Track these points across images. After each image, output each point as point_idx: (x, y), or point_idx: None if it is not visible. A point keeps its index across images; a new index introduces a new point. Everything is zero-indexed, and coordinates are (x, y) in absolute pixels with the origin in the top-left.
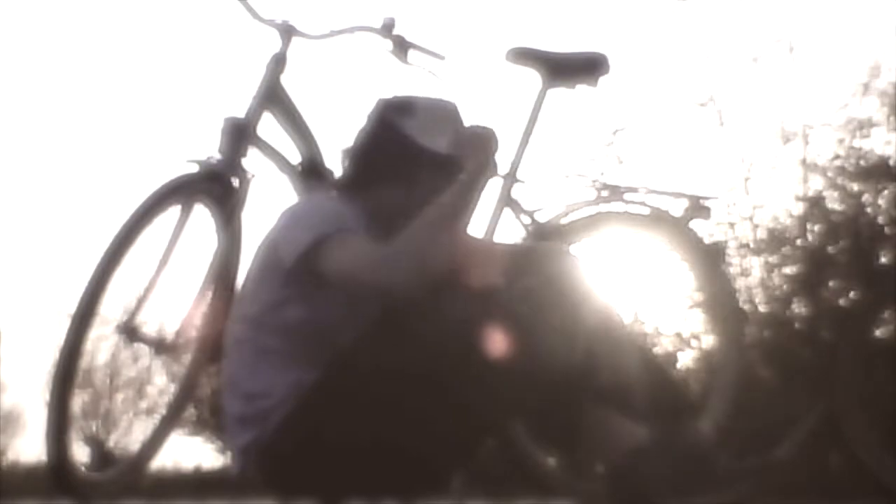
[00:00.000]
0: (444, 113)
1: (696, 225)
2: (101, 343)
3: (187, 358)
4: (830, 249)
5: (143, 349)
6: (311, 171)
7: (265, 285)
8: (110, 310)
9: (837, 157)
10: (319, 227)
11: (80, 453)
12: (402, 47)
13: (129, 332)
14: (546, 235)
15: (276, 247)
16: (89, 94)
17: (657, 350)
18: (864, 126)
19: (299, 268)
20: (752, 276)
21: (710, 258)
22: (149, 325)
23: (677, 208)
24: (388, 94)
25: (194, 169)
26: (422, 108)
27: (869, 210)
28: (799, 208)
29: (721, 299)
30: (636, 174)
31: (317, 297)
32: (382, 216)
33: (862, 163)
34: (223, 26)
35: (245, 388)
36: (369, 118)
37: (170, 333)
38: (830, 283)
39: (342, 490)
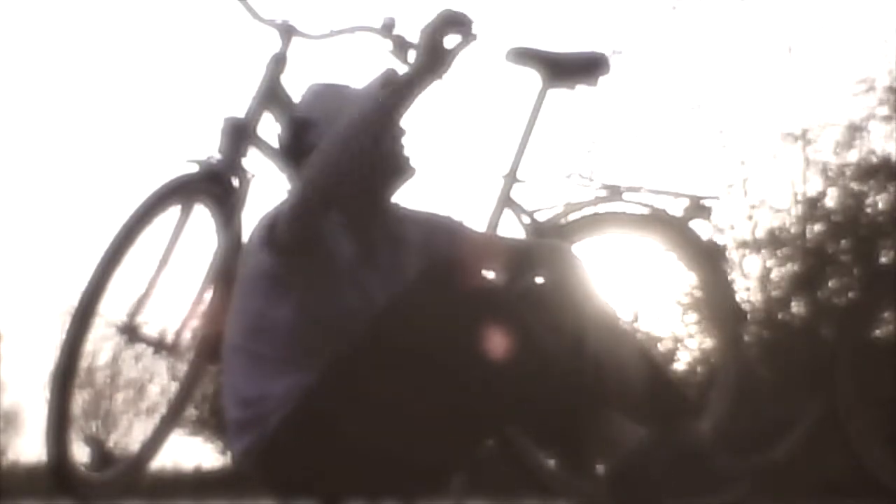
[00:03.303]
0: (329, 93)
1: (696, 225)
2: (102, 343)
3: (188, 358)
4: (830, 249)
5: (144, 349)
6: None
7: (253, 293)
8: (110, 310)
9: (837, 155)
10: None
11: (80, 453)
12: (402, 47)
13: (130, 332)
14: (546, 235)
15: (255, 251)
16: (89, 94)
17: (656, 350)
18: (864, 125)
19: (275, 260)
20: (751, 276)
21: (710, 258)
22: (149, 325)
23: (677, 208)
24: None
25: (194, 169)
26: (311, 109)
27: (869, 210)
28: (799, 208)
29: (720, 299)
30: (636, 174)
31: (305, 297)
32: (358, 219)
33: (862, 162)
34: (223, 26)
35: (242, 395)
36: (284, 160)
37: (170, 333)
38: (830, 283)
39: (342, 490)
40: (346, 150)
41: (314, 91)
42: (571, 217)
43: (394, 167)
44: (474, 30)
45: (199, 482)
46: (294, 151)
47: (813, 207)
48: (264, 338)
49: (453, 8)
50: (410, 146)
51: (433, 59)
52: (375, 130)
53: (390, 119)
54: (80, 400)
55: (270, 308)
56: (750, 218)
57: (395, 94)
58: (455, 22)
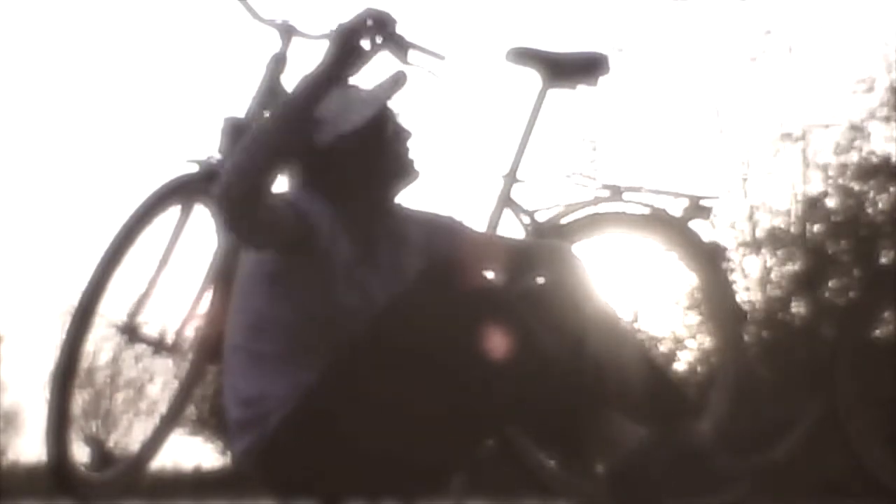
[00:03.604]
0: (337, 92)
1: (696, 225)
2: (102, 343)
3: (187, 358)
4: (830, 249)
5: (144, 349)
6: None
7: (253, 292)
8: (110, 310)
9: (837, 155)
10: None
11: (80, 453)
12: (401, 47)
13: (130, 332)
14: (546, 236)
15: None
16: (89, 94)
17: (657, 350)
18: (864, 125)
19: (274, 259)
20: (751, 276)
21: (710, 258)
22: (149, 325)
23: (677, 208)
24: None
25: (194, 169)
26: (319, 111)
27: (869, 210)
28: (799, 208)
29: (720, 299)
30: (636, 174)
31: (304, 296)
32: (359, 219)
33: (862, 162)
34: (223, 26)
35: (243, 394)
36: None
37: (170, 333)
38: (830, 283)
39: (342, 490)
40: (260, 148)
41: None
42: (571, 217)
43: (397, 169)
44: (395, 32)
45: (199, 482)
46: (307, 154)
47: (813, 207)
48: (264, 337)
49: (377, 7)
50: (416, 149)
51: (343, 58)
52: (289, 127)
53: (300, 116)
54: (80, 400)
55: (270, 307)
56: (750, 218)
57: (301, 93)
58: (376, 22)
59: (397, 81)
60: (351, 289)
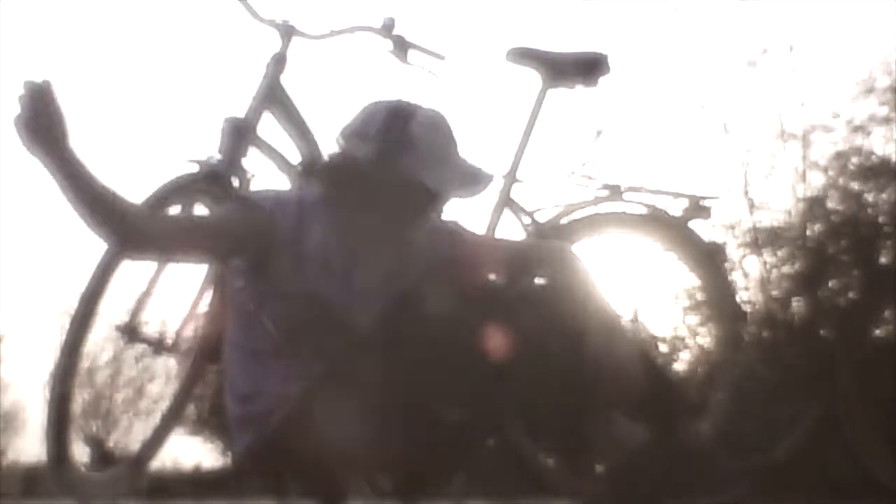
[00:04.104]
0: (442, 142)
1: (696, 225)
2: (102, 343)
3: (187, 358)
4: (830, 249)
5: (144, 349)
6: (310, 171)
7: (245, 288)
8: (110, 310)
9: (838, 156)
10: None
11: (80, 453)
12: (402, 47)
13: (130, 332)
14: (546, 235)
15: None
16: (89, 94)
17: (657, 350)
18: (864, 126)
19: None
20: (751, 276)
21: (710, 258)
22: (149, 325)
23: (677, 208)
24: (391, 111)
25: (194, 169)
26: (422, 140)
27: (869, 210)
28: (799, 208)
29: (720, 299)
30: (636, 174)
31: (290, 290)
32: (356, 233)
33: (862, 162)
34: (223, 26)
35: (242, 391)
36: (371, 138)
37: (170, 333)
38: (830, 283)
39: (342, 490)
40: (85, 212)
41: (438, 120)
42: (571, 217)
43: (404, 224)
44: (51, 95)
45: (199, 482)
46: (384, 160)
47: (813, 207)
48: (258, 333)
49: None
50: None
51: (41, 139)
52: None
53: (74, 185)
54: (80, 400)
55: (261, 302)
56: (750, 218)
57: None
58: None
59: (486, 184)
60: (343, 286)
